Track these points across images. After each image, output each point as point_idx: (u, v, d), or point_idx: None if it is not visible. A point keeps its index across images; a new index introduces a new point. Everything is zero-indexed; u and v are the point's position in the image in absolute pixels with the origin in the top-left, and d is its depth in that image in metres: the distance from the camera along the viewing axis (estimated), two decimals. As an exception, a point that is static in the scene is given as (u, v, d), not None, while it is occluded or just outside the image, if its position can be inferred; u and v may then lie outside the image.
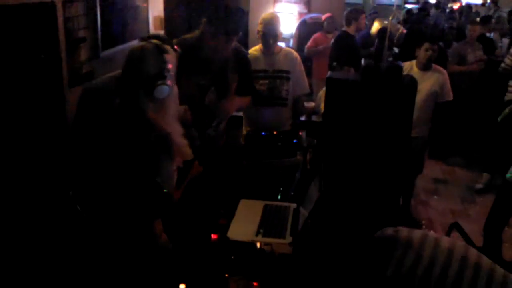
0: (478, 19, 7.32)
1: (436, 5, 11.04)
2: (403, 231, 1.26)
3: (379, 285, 1.21)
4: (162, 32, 4.84)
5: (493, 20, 8.62)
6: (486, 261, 1.19)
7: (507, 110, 3.67)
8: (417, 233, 1.25)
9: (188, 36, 2.82)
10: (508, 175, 3.26)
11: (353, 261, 1.35)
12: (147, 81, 1.90)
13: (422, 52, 4.15)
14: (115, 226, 2.08)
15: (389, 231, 1.27)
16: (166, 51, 1.96)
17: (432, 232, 1.30)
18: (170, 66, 1.96)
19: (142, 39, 2.18)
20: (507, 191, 3.29)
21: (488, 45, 6.43)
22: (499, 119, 3.61)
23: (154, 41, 1.98)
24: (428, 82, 4.09)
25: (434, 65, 4.22)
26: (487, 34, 7.01)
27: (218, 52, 2.71)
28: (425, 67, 4.16)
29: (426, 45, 4.13)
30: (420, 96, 4.03)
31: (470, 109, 5.86)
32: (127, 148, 1.93)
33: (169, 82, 1.94)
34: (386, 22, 5.34)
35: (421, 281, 1.15)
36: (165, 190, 2.03)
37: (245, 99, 3.00)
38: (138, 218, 2.03)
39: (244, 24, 2.91)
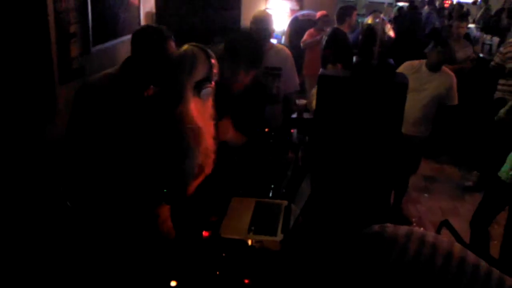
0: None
1: (429, 2, 11.05)
2: (389, 227, 1.27)
3: (365, 281, 1.22)
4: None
5: None
6: (471, 256, 1.20)
7: (504, 109, 3.65)
8: (402, 229, 1.26)
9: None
10: (503, 170, 3.27)
11: (340, 258, 1.36)
12: (197, 83, 2.07)
13: (435, 54, 4.12)
14: (113, 218, 2.11)
15: (375, 227, 1.29)
16: (212, 56, 2.13)
17: (418, 228, 1.31)
18: (215, 70, 2.14)
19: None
20: (497, 188, 3.33)
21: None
22: (496, 118, 3.59)
23: (199, 45, 2.16)
24: (435, 84, 4.08)
25: (443, 68, 4.20)
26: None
27: (235, 84, 2.59)
28: (434, 69, 4.14)
29: (439, 47, 4.11)
30: (424, 96, 4.04)
31: (460, 107, 5.89)
32: (161, 133, 2.05)
33: (212, 84, 2.12)
34: (377, 20, 5.34)
35: (406, 276, 1.16)
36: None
37: (241, 136, 2.73)
38: (149, 202, 2.08)
39: (264, 54, 2.75)
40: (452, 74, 4.24)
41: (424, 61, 4.22)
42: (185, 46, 2.14)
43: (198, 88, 2.07)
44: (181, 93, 2.05)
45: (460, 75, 5.78)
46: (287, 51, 3.68)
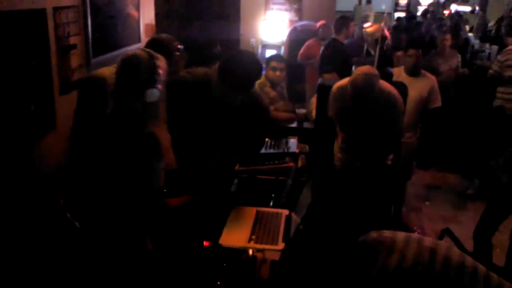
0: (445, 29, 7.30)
1: (423, 13, 11.13)
2: (387, 233, 1.28)
3: (366, 287, 1.22)
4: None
5: None
6: (469, 260, 1.20)
7: None
8: (400, 235, 1.27)
9: (200, 70, 2.71)
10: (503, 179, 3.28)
11: (340, 265, 1.36)
12: (139, 85, 2.03)
13: (407, 58, 4.19)
14: (114, 227, 2.10)
15: (373, 234, 1.29)
16: (157, 58, 2.08)
17: (415, 234, 1.31)
18: (161, 71, 2.07)
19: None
20: (499, 196, 3.32)
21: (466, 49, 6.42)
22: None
23: (147, 50, 2.13)
24: (417, 88, 4.10)
25: (423, 71, 4.25)
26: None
27: (225, 104, 2.60)
28: (413, 73, 4.18)
29: (409, 51, 4.18)
30: (408, 102, 4.05)
31: (461, 116, 5.89)
32: (122, 145, 2.02)
33: (159, 86, 2.05)
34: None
35: (406, 280, 1.16)
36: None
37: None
38: (131, 219, 2.05)
39: (259, 75, 2.75)
40: (432, 76, 4.27)
41: (403, 67, 4.25)
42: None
43: (142, 90, 2.02)
44: (126, 96, 2.05)
45: (446, 87, 5.70)
46: (395, 96, 2.58)
